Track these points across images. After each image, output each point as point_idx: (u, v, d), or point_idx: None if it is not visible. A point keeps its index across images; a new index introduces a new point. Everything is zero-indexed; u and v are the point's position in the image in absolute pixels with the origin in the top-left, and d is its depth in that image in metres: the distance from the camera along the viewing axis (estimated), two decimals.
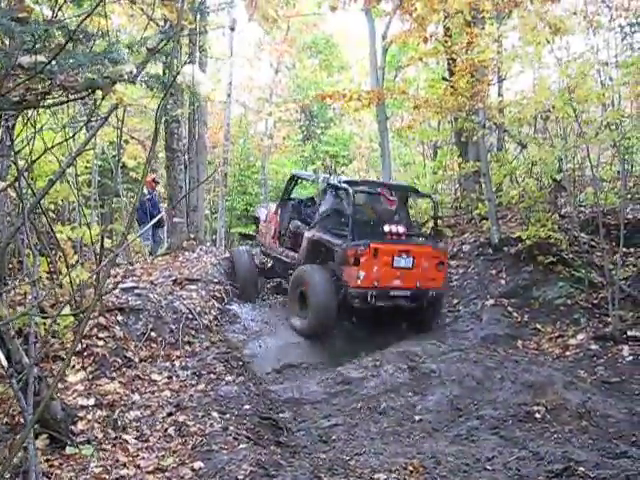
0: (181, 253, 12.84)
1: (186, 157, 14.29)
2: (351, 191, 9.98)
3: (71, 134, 5.46)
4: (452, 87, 12.32)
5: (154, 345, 8.35)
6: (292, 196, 12.37)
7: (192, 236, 14.08)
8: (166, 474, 5.14)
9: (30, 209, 5.24)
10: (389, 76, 17.96)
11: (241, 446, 5.89)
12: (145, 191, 13.89)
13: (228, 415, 6.71)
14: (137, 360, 7.83)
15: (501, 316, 10.53)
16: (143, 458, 5.51)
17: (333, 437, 6.87)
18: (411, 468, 5.43)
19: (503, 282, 11.43)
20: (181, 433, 6.10)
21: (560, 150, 11.06)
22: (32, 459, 3.03)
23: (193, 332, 9.00)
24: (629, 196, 12.83)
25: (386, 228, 10.12)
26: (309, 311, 9.80)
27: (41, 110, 5.43)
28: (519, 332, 10.21)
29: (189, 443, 5.86)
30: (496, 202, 12.61)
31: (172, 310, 9.16)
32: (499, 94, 15.48)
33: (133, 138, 15.99)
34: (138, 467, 5.28)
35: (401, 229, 10.28)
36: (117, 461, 5.42)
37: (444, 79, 14.63)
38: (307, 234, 10.62)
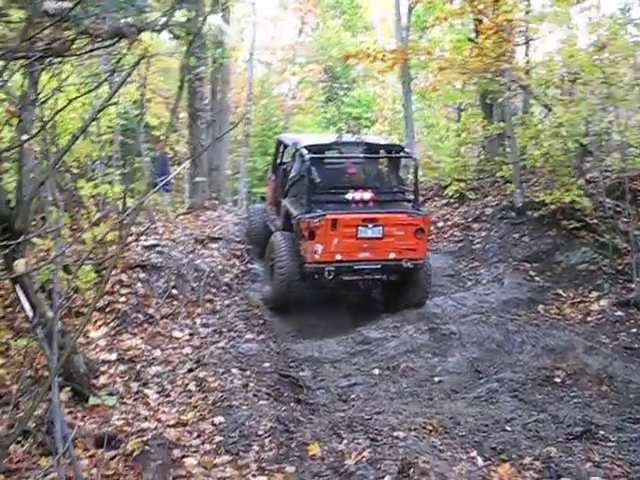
0: (202, 212, 12.85)
1: (208, 116, 14.20)
2: (306, 157, 9.02)
3: (93, 89, 5.41)
4: (478, 48, 12.09)
5: (175, 302, 8.41)
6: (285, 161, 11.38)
7: (214, 195, 14.09)
8: (187, 428, 5.20)
9: (54, 164, 5.24)
10: (414, 37, 17.67)
11: (261, 402, 5.95)
12: (153, 154, 13.88)
13: (248, 372, 6.76)
14: (158, 317, 7.90)
15: (523, 280, 10.42)
16: (164, 412, 5.58)
17: (352, 396, 6.89)
18: (430, 427, 5.44)
19: (526, 246, 11.30)
20: (201, 389, 6.16)
21: (586, 112, 10.83)
22: (57, 408, 3.06)
23: (214, 290, 9.05)
24: None
25: (349, 195, 9.11)
26: (273, 281, 9.16)
27: (63, 65, 5.39)
28: (541, 297, 10.09)
29: (209, 398, 5.92)
30: (520, 165, 12.42)
31: (193, 268, 9.21)
32: (526, 55, 15.19)
33: (155, 94, 15.86)
34: (159, 420, 5.34)
35: (367, 195, 9.18)
36: (138, 414, 5.49)
37: (470, 40, 14.36)
38: (283, 201, 9.91)
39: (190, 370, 6.62)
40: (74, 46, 2.71)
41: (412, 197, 9.58)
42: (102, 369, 6.37)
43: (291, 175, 9.97)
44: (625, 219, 11.02)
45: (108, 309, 7.69)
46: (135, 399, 5.85)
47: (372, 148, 10.05)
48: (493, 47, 11.55)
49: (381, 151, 10.37)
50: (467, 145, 16.29)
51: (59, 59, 3.40)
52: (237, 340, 7.70)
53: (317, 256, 8.55)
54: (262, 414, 5.46)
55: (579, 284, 10.52)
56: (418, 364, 7.67)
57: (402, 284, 9.31)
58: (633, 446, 5.07)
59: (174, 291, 8.56)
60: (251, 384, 6.45)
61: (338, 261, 8.64)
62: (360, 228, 8.71)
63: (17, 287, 4.92)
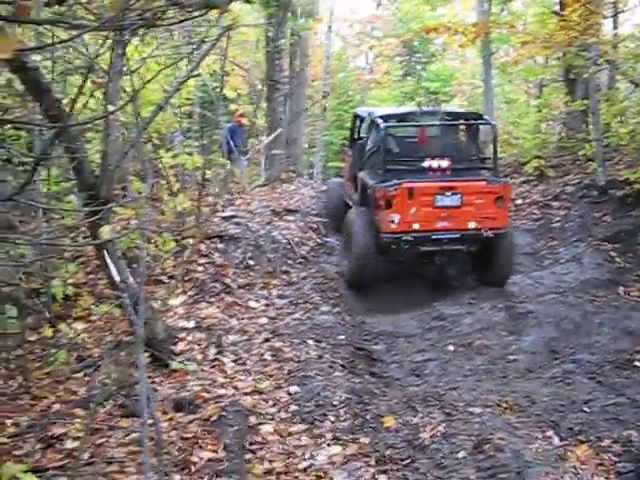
0: (279, 185, 12.94)
1: (287, 89, 14.22)
2: (382, 125, 8.85)
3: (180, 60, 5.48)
4: (563, 20, 11.70)
5: (252, 273, 8.53)
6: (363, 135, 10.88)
7: (291, 168, 14.16)
8: (263, 396, 5.29)
9: (138, 134, 5.36)
10: (495, 9, 17.23)
11: (336, 374, 6.00)
12: (229, 125, 13.97)
13: (324, 344, 6.82)
14: (235, 287, 8.03)
15: (603, 260, 10.12)
16: (240, 380, 5.68)
17: (426, 371, 6.86)
18: (505, 405, 5.38)
19: (607, 226, 10.97)
20: (277, 358, 6.25)
21: None
22: (142, 372, 3.16)
23: (290, 262, 9.12)
24: None
25: (425, 163, 8.85)
26: (350, 257, 8.88)
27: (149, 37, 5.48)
28: (621, 278, 9.78)
29: (285, 368, 6.00)
30: (604, 143, 12.02)
31: (270, 240, 9.31)
32: (614, 28, 14.62)
33: (236, 66, 15.92)
34: (235, 388, 5.45)
35: (444, 163, 8.90)
36: (215, 381, 5.61)
37: (554, 13, 13.92)
38: (359, 174, 9.59)
39: (266, 340, 6.71)
40: (165, 18, 2.75)
41: (491, 166, 9.34)
42: (180, 336, 6.53)
43: (368, 147, 9.66)
44: None
45: (186, 278, 7.86)
46: (212, 366, 5.98)
47: (450, 117, 9.89)
48: (579, 20, 11.16)
49: (459, 119, 10.21)
50: (547, 122, 15.87)
51: (149, 30, 3.47)
52: (313, 312, 7.75)
53: (394, 226, 8.36)
54: (337, 385, 5.51)
55: None
56: (493, 342, 7.57)
57: (483, 258, 9.04)
58: None
59: (251, 262, 8.68)
60: (326, 355, 6.50)
61: (415, 230, 8.42)
62: (438, 196, 8.49)
63: (105, 253, 5.07)
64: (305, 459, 4.17)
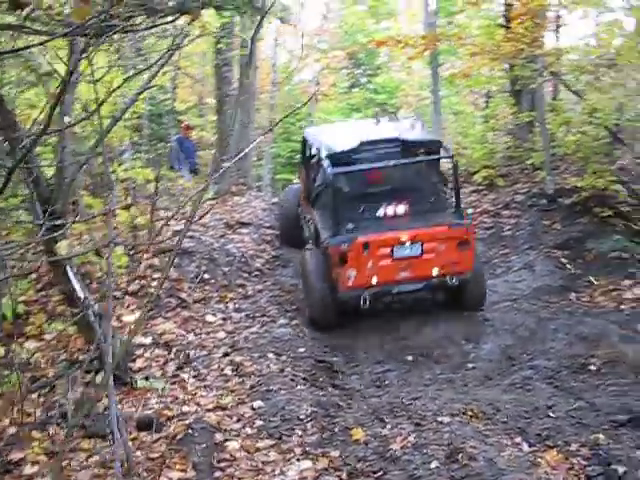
0: (230, 198, 12.80)
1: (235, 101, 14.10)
2: (329, 172, 7.96)
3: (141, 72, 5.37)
4: (511, 33, 11.91)
5: (207, 287, 8.40)
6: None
7: (241, 181, 14.04)
8: (226, 412, 5.19)
9: (94, 147, 5.22)
10: (441, 22, 17.46)
11: (299, 387, 5.93)
12: (176, 137, 13.81)
13: (284, 357, 6.75)
14: (191, 301, 7.89)
15: (554, 267, 10.26)
16: (202, 396, 5.57)
17: (386, 382, 6.86)
18: (470, 413, 5.39)
19: (557, 233, 11.16)
20: (238, 373, 6.15)
21: (622, 98, 10.67)
22: (111, 392, 3.04)
23: (245, 275, 9.03)
24: None
25: (379, 212, 8.11)
26: (308, 302, 8.20)
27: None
28: (572, 284, 9.93)
29: (247, 383, 5.91)
30: (551, 152, 12.26)
31: (224, 253, 9.20)
32: (556, 40, 14.97)
33: (188, 77, 15.68)
34: (198, 404, 5.33)
35: (401, 209, 8.15)
36: (176, 398, 5.49)
37: (500, 25, 14.16)
38: (310, 212, 8.87)
39: (225, 354, 6.62)
40: (131, 22, 2.67)
41: (452, 203, 8.55)
42: (138, 353, 6.37)
43: (317, 183, 8.93)
44: None
45: (140, 293, 7.70)
46: (172, 383, 5.85)
47: (407, 145, 8.69)
48: (525, 32, 11.37)
49: (417, 148, 8.93)
50: (494, 132, 16.09)
51: (117, 36, 3.37)
52: (270, 325, 7.68)
53: (350, 282, 7.64)
54: (301, 399, 5.44)
55: (611, 272, 10.37)
56: (451, 351, 7.64)
57: (453, 293, 8.45)
58: None
59: (206, 275, 8.55)
60: (287, 369, 6.43)
61: (374, 285, 7.73)
62: (396, 248, 7.76)
63: (67, 269, 4.92)
64: (275, 475, 4.08)
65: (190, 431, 4.44)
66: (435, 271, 7.89)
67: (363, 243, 7.60)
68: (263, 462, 4.28)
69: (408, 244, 7.76)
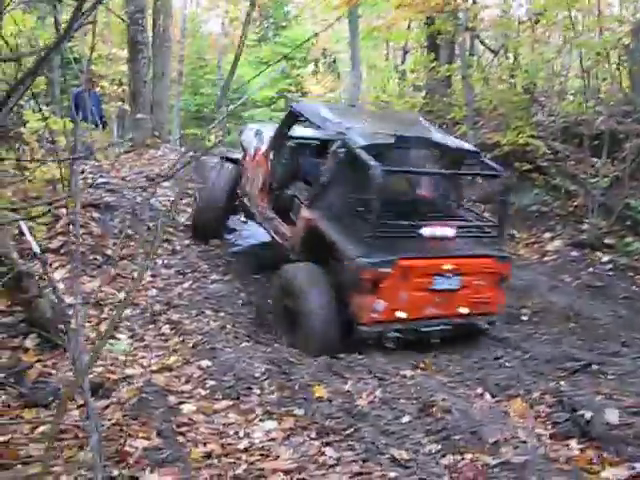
0: (145, 150, 12.23)
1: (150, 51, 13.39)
2: (375, 169, 5.75)
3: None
4: None
5: (132, 243, 7.96)
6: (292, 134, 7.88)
7: (156, 133, 13.41)
8: (173, 373, 4.88)
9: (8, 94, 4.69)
10: None
11: (244, 344, 5.71)
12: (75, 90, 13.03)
13: (222, 313, 6.51)
14: (117, 258, 7.45)
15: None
16: (143, 357, 5.22)
17: None
18: (423, 366, 5.34)
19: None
20: (177, 332, 5.84)
21: (551, 54, 10.79)
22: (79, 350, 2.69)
23: (171, 230, 8.61)
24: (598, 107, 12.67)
25: (425, 231, 6.26)
26: (300, 338, 6.09)
27: None
28: None
29: (188, 342, 5.60)
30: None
31: (148, 207, 8.75)
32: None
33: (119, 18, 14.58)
34: (142, 366, 4.99)
35: (450, 231, 6.47)
36: (116, 359, 5.12)
37: None
38: (304, 212, 6.70)
39: (161, 312, 6.27)
40: None
41: (494, 230, 6.88)
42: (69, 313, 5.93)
43: (325, 177, 6.61)
44: (574, 163, 11.14)
45: (63, 250, 7.20)
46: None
47: (447, 151, 6.91)
48: None
49: (458, 159, 7.23)
50: (413, 87, 16.07)
51: None
52: (203, 281, 7.36)
53: (376, 315, 5.90)
54: (251, 356, 5.19)
55: (532, 225, 10.63)
56: None
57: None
58: (632, 378, 5.08)
59: (130, 231, 8.10)
60: (228, 326, 6.18)
61: (400, 320, 6.03)
62: (437, 278, 6.17)
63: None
64: (241, 438, 3.84)
65: (144, 395, 4.12)
66: (463, 309, 6.41)
67: (406, 267, 5.95)
68: (224, 424, 4.02)
69: (449, 275, 6.23)
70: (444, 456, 3.54)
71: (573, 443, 3.92)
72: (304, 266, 6.43)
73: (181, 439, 3.71)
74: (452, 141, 7.11)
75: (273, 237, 7.42)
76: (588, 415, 4.07)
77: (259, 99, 24.01)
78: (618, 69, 12.19)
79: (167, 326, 5.96)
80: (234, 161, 8.69)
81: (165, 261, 7.72)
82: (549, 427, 4.12)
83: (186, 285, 7.19)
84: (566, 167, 11.23)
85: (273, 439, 3.80)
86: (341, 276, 6.08)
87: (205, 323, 6.08)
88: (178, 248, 8.20)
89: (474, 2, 13.95)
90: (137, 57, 12.55)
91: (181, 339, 5.67)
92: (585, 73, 11.20)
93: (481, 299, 6.49)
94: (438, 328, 6.31)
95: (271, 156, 7.65)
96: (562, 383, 4.78)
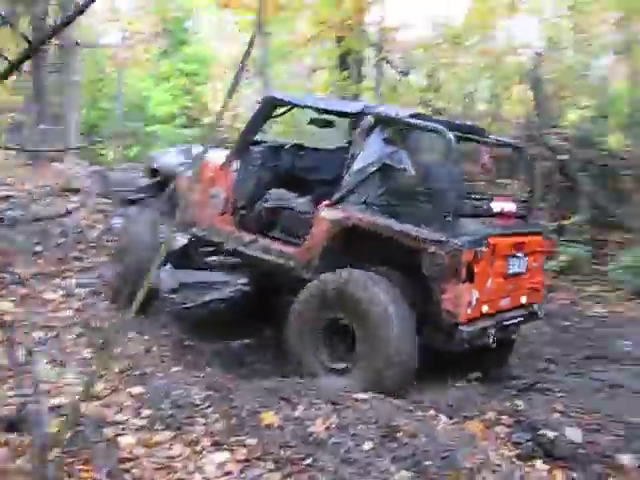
0: (48, 163, 11.52)
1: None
2: (453, 140, 5.16)
3: None
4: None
5: (40, 261, 7.41)
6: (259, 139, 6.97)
7: (60, 146, 12.69)
8: (103, 401, 4.43)
9: None
10: None
11: (175, 369, 5.33)
12: None
13: (146, 336, 6.07)
14: (26, 277, 6.88)
15: None
16: (67, 384, 4.76)
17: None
18: None
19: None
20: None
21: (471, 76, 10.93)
22: None
23: (82, 247, 8.07)
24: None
25: (495, 205, 5.72)
26: (362, 360, 5.06)
27: None
28: None
29: (114, 367, 5.15)
30: None
31: (56, 223, 8.18)
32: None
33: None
34: (66, 395, 4.53)
35: (512, 205, 6.01)
36: (37, 387, 4.63)
37: None
38: (326, 213, 5.58)
39: (80, 335, 5.79)
40: None
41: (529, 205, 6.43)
42: None
43: (359, 165, 5.54)
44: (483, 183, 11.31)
45: None
46: (27, 372, 4.96)
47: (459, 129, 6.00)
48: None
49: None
50: None
51: None
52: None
53: (470, 310, 5.03)
54: (185, 382, 4.82)
55: None
56: None
57: None
58: (579, 396, 5.06)
59: (38, 248, 7.54)
60: (154, 349, 5.79)
61: (484, 315, 5.25)
62: (510, 259, 5.48)
63: None
64: (191, 472, 3.48)
65: (78, 428, 3.68)
66: (524, 298, 5.80)
67: (493, 247, 5.16)
68: (168, 457, 3.64)
69: (520, 254, 5.56)
70: None
71: (539, 464, 3.80)
72: (362, 273, 5.23)
73: (127, 476, 3.32)
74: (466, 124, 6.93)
75: (263, 259, 6.07)
76: (551, 435, 3.96)
77: (160, 115, 23.44)
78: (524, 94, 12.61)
79: (88, 350, 5.49)
80: (142, 200, 7.27)
81: (78, 280, 7.20)
82: (511, 447, 3.98)
83: (103, 305, 6.72)
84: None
85: (229, 472, 3.46)
86: (427, 271, 5.00)
87: (130, 346, 5.65)
88: (91, 266, 7.69)
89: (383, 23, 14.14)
90: (39, 63, 11.84)
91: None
92: (493, 97, 11.46)
93: (537, 284, 6.01)
94: (514, 321, 5.65)
95: (234, 167, 6.40)
96: (521, 402, 4.66)
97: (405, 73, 14.73)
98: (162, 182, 7.04)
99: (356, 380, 4.98)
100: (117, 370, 5.07)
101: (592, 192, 11.26)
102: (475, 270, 4.96)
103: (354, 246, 5.49)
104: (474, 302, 5.01)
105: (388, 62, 15.03)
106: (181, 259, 6.84)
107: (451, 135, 5.13)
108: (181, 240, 6.65)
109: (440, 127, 5.30)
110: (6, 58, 2.62)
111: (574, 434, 3.99)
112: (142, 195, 7.30)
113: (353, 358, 5.14)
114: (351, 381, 5.00)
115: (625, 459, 3.88)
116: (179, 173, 6.66)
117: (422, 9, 14.70)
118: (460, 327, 4.98)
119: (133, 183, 8.28)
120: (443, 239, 4.93)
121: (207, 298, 7.77)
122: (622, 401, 5.11)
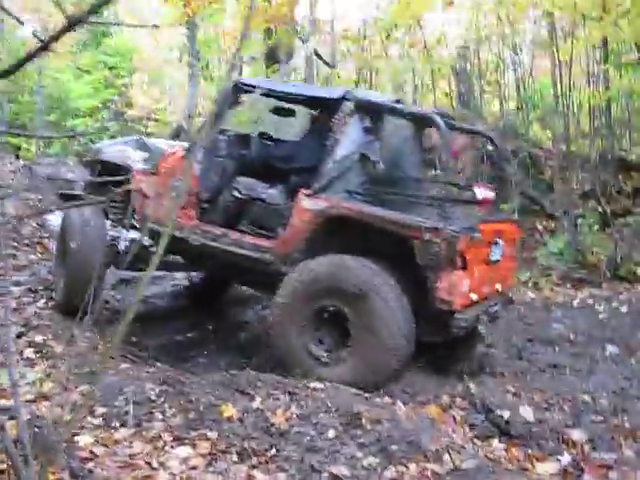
0: None
1: None
2: (447, 129, 5.23)
3: None
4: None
5: None
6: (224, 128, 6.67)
7: None
8: (52, 402, 4.31)
9: None
10: None
11: (124, 365, 5.23)
12: None
13: (88, 333, 5.91)
14: None
15: None
16: (17, 386, 4.59)
17: (192, 353, 6.57)
18: None
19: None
20: (45, 355, 5.24)
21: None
22: None
23: (14, 244, 7.81)
24: None
25: (478, 191, 5.79)
26: (358, 348, 4.93)
27: None
28: None
29: (59, 365, 5.03)
30: None
31: None
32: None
33: None
34: (9, 396, 4.38)
35: (492, 193, 6.07)
36: None
37: None
38: (307, 203, 5.35)
39: (20, 335, 5.61)
40: None
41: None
42: None
43: (340, 152, 5.36)
44: None
45: None
46: None
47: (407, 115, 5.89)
48: None
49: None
50: None
51: None
52: None
53: (463, 298, 4.97)
54: (136, 377, 4.74)
55: None
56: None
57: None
58: (526, 376, 5.21)
59: None
60: (99, 345, 5.65)
61: (472, 303, 5.17)
62: (492, 246, 5.43)
63: None
64: (155, 468, 3.43)
65: (34, 430, 3.57)
66: (499, 286, 5.71)
67: (483, 233, 5.11)
68: (130, 455, 3.58)
69: (498, 241, 5.50)
70: (386, 468, 3.35)
71: (495, 443, 3.91)
72: (360, 260, 5.00)
73: (91, 477, 3.24)
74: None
75: (235, 254, 5.70)
76: (506, 415, 4.08)
77: (82, 108, 22.81)
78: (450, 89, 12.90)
79: (31, 350, 5.33)
80: (76, 197, 6.90)
81: (14, 278, 6.96)
82: (467, 430, 4.08)
83: (40, 304, 6.52)
84: None
85: (194, 467, 3.43)
86: (421, 260, 4.83)
87: (74, 344, 5.50)
88: (25, 263, 7.45)
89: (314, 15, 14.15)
90: None
91: (51, 363, 5.09)
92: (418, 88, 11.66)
93: (510, 270, 6.01)
94: (492, 312, 5.56)
95: (197, 157, 5.97)
96: (472, 384, 4.77)
97: (332, 65, 14.83)
98: (111, 175, 6.60)
99: (350, 369, 4.88)
100: (63, 369, 4.95)
101: (519, 181, 11.58)
102: (467, 257, 4.91)
103: (336, 237, 5.30)
104: (467, 290, 4.97)
105: (317, 55, 15.07)
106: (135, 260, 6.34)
107: (442, 122, 5.09)
108: (129, 238, 6.39)
109: (431, 114, 5.29)
110: None
111: (526, 413, 4.12)
112: (80, 191, 7.01)
113: (347, 347, 5.00)
114: (345, 370, 4.90)
115: (575, 434, 4.05)
116: (133, 165, 6.38)
117: (353, 1, 14.68)
118: (456, 315, 4.91)
119: (67, 177, 7.97)
120: (439, 226, 4.85)
121: (147, 293, 7.65)
122: (565, 380, 5.28)
